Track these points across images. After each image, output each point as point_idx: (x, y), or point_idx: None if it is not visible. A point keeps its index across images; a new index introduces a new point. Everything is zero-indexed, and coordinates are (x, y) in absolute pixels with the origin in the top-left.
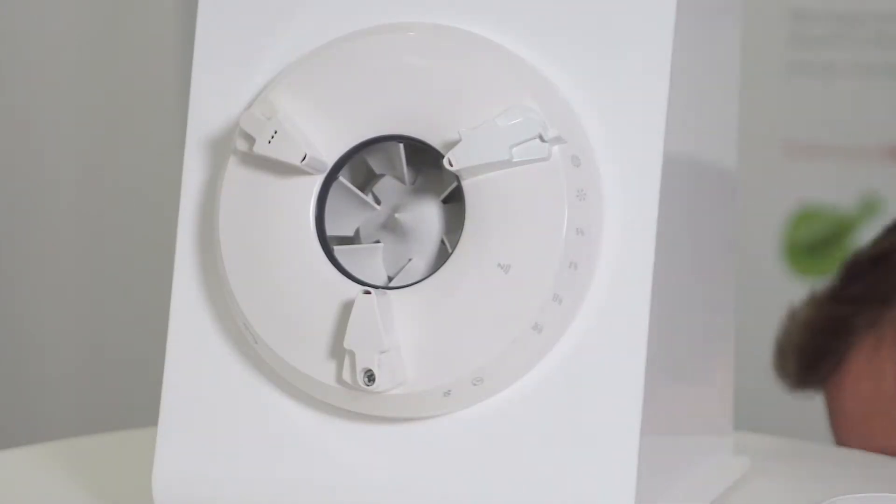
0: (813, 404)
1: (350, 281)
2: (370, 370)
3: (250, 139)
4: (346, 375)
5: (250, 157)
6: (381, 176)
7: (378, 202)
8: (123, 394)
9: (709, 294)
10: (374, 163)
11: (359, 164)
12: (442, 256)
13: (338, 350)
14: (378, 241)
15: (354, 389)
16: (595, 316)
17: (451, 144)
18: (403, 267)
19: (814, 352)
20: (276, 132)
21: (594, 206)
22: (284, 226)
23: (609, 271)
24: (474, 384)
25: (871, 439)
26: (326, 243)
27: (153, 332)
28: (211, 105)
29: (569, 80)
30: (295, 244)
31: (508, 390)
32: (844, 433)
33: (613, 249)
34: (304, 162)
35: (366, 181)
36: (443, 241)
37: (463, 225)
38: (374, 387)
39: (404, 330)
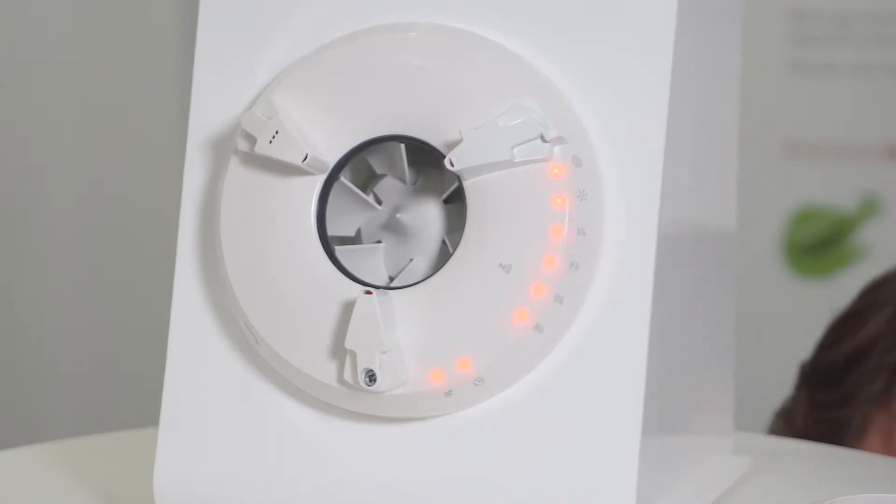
0: None
1: (351, 281)
2: (371, 370)
3: (251, 139)
4: (348, 375)
5: (251, 157)
6: (383, 176)
7: (379, 202)
8: (123, 394)
9: (710, 294)
10: (376, 163)
11: (360, 165)
12: (443, 257)
13: (339, 350)
14: (379, 242)
15: (355, 389)
16: (596, 316)
17: (453, 144)
18: (405, 267)
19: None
20: (277, 132)
21: (595, 207)
22: (286, 226)
23: (610, 271)
24: (475, 384)
25: None
26: (328, 243)
27: (154, 333)
28: (212, 105)
29: (570, 80)
30: (296, 244)
31: (509, 390)
32: None
33: (615, 250)
34: (305, 162)
35: (367, 181)
36: (444, 242)
37: (464, 225)
38: (376, 387)
39: (405, 330)
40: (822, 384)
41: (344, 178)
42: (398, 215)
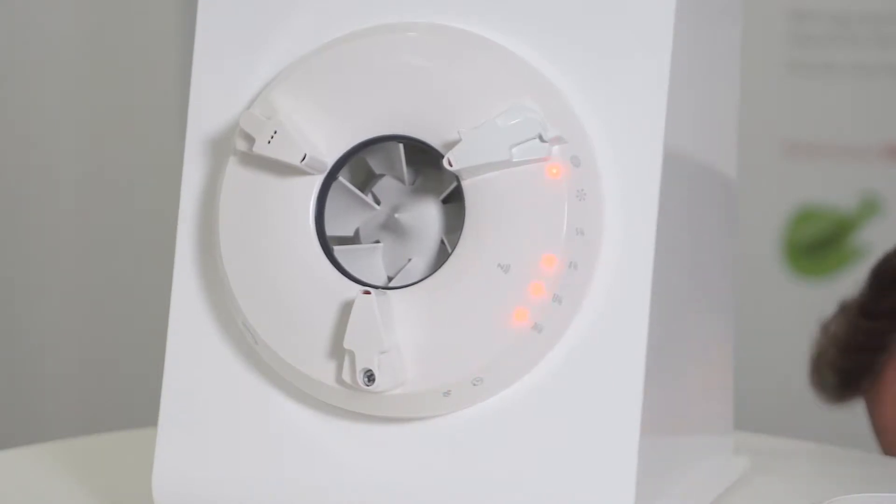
0: (812, 405)
1: (350, 281)
2: (370, 370)
3: (250, 139)
4: (346, 375)
5: (250, 156)
6: (381, 176)
7: (378, 202)
8: (123, 394)
9: (708, 294)
10: (374, 163)
11: (359, 164)
12: (442, 256)
13: (338, 350)
14: (378, 241)
15: (354, 389)
16: (595, 316)
17: (451, 144)
18: (403, 267)
19: (851, 369)
20: (275, 132)
21: (594, 206)
22: (284, 226)
23: (609, 271)
24: (474, 384)
25: None
26: (326, 243)
27: (153, 333)
28: (211, 105)
29: (569, 80)
30: (295, 244)
31: (508, 390)
32: (888, 446)
33: (613, 250)
34: (303, 162)
35: (366, 181)
36: (442, 241)
37: (463, 225)
38: (374, 387)
39: (404, 330)
40: (879, 290)
41: (342, 178)
42: (397, 215)
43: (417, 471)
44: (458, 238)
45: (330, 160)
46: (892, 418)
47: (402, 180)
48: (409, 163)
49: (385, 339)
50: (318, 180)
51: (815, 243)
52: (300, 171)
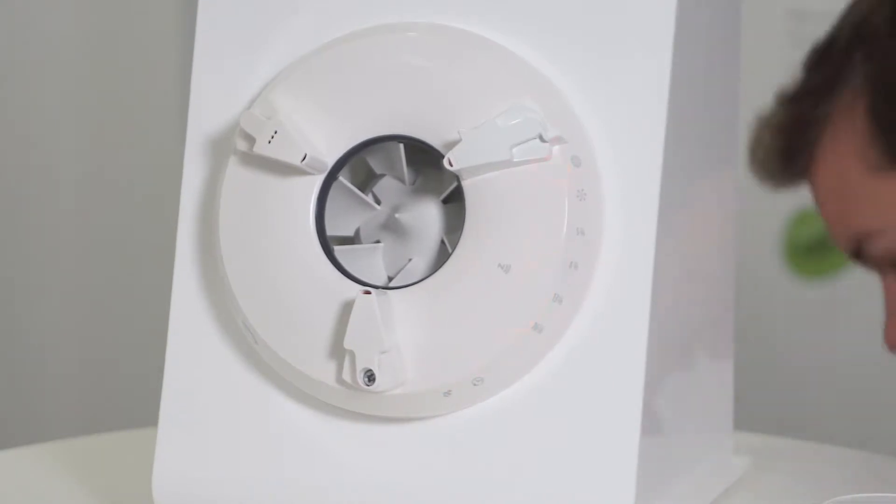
0: (812, 405)
1: (350, 281)
2: (370, 370)
3: (250, 139)
4: (347, 375)
5: (250, 156)
6: (382, 176)
7: (378, 202)
8: (123, 394)
9: (709, 294)
10: (375, 163)
11: (359, 164)
12: (442, 256)
13: (338, 350)
14: (378, 241)
15: (354, 389)
16: (595, 316)
17: (452, 144)
18: (403, 267)
19: (786, 150)
20: (276, 132)
21: (594, 207)
22: (284, 226)
23: (609, 271)
24: (474, 384)
25: (849, 226)
26: (326, 243)
27: (153, 332)
28: (211, 105)
29: (569, 80)
30: (295, 244)
31: (508, 390)
32: (828, 222)
33: (614, 250)
34: (304, 162)
35: (366, 181)
36: (443, 241)
37: (463, 225)
38: (375, 387)
39: (404, 330)
40: (805, 72)
41: (343, 178)
42: (397, 215)
43: (417, 471)
44: (459, 238)
45: (330, 160)
46: (824, 194)
47: (402, 180)
48: (409, 163)
49: (385, 339)
50: (318, 180)
51: (815, 243)
52: (300, 171)
